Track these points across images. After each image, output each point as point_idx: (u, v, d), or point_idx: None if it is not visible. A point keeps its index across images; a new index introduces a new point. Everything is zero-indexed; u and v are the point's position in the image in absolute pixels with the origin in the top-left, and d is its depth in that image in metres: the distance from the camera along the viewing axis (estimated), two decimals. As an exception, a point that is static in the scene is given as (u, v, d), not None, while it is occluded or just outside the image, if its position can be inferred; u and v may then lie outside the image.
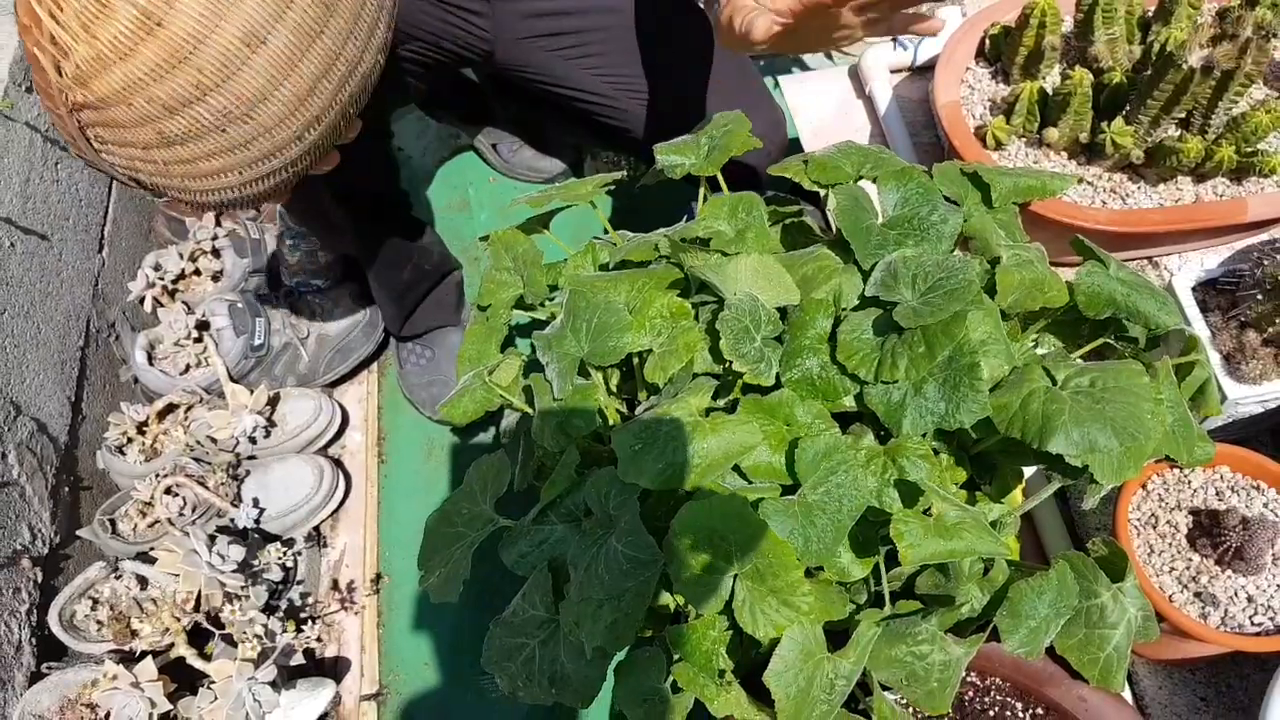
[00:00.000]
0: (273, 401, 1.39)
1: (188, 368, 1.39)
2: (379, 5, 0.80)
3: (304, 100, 0.75)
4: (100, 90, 0.69)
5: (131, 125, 0.71)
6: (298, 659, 1.21)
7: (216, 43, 0.68)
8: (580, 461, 0.83)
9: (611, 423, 0.85)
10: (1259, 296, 0.92)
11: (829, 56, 1.74)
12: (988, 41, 1.22)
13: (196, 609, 1.13)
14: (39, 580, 1.14)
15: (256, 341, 1.40)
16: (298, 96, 0.74)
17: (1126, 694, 0.99)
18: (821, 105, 1.42)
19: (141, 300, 1.44)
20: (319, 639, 1.25)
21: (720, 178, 0.96)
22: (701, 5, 1.48)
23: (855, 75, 1.42)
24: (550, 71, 1.27)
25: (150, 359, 1.38)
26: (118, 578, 1.16)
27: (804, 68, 1.74)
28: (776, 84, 1.46)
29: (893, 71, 1.39)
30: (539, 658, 0.81)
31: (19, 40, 1.22)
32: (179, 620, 1.11)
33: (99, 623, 1.12)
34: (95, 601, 1.15)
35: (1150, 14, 1.18)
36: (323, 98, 0.76)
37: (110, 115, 0.70)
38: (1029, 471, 0.93)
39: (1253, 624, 0.87)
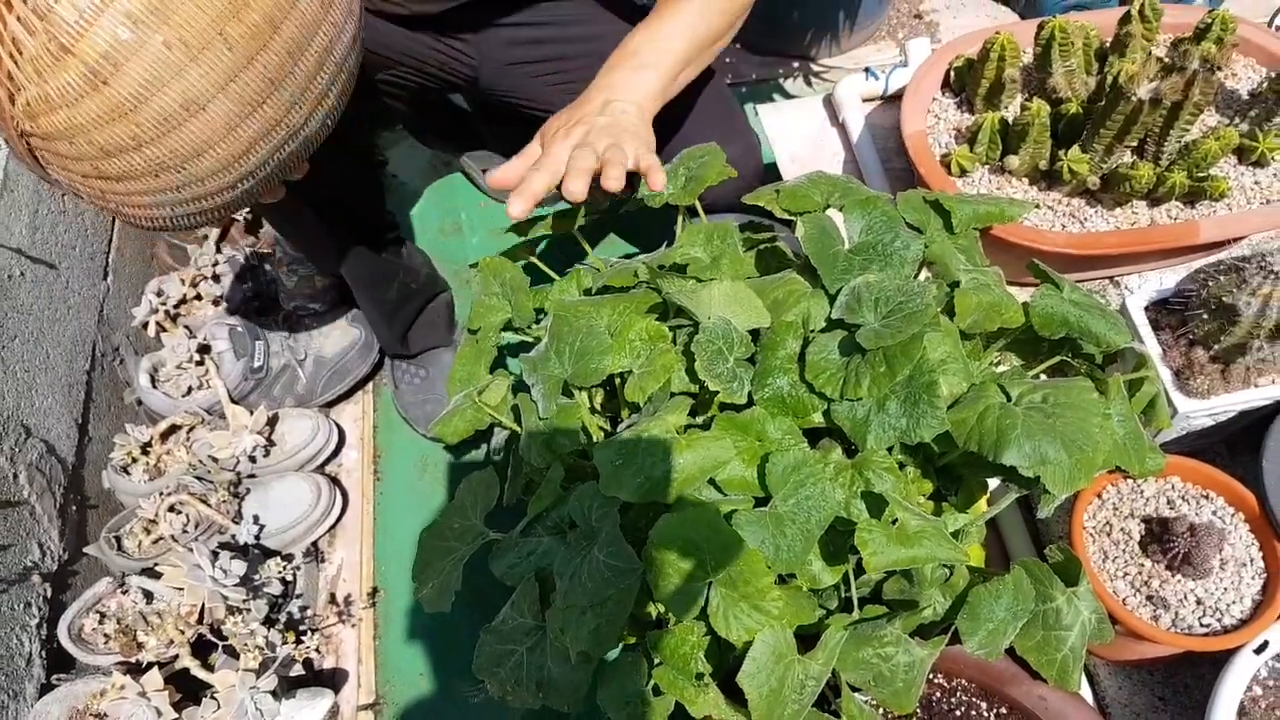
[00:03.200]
0: (272, 422, 1.44)
1: (190, 390, 1.44)
2: (333, 75, 0.83)
3: (239, 158, 0.79)
4: (45, 126, 0.73)
5: (72, 158, 0.76)
6: (297, 670, 1.25)
7: (156, 104, 0.73)
8: (565, 477, 0.87)
9: (594, 440, 0.89)
10: (1205, 315, 0.97)
11: (808, 83, 1.80)
12: (952, 73, 1.28)
13: (200, 621, 1.17)
14: (48, 595, 1.19)
15: (256, 364, 1.45)
16: (232, 155, 0.78)
17: (1087, 694, 1.03)
18: (798, 133, 1.48)
19: (145, 325, 1.49)
20: (317, 650, 1.29)
21: (698, 205, 1.01)
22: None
23: (830, 104, 1.48)
24: (534, 96, 1.33)
25: (154, 382, 1.43)
26: (124, 592, 1.21)
27: (785, 95, 1.80)
28: (755, 112, 1.52)
29: (865, 100, 1.45)
30: (527, 663, 0.85)
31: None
32: (183, 632, 1.15)
33: (106, 635, 1.17)
34: (103, 615, 1.20)
35: (1107, 45, 1.24)
36: (259, 156, 0.80)
37: (54, 145, 0.75)
38: (993, 483, 0.97)
39: (1202, 625, 0.92)
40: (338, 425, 1.52)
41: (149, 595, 1.21)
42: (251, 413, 1.41)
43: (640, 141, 0.98)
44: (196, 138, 0.76)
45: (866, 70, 1.44)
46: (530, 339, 1.01)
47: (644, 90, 1.03)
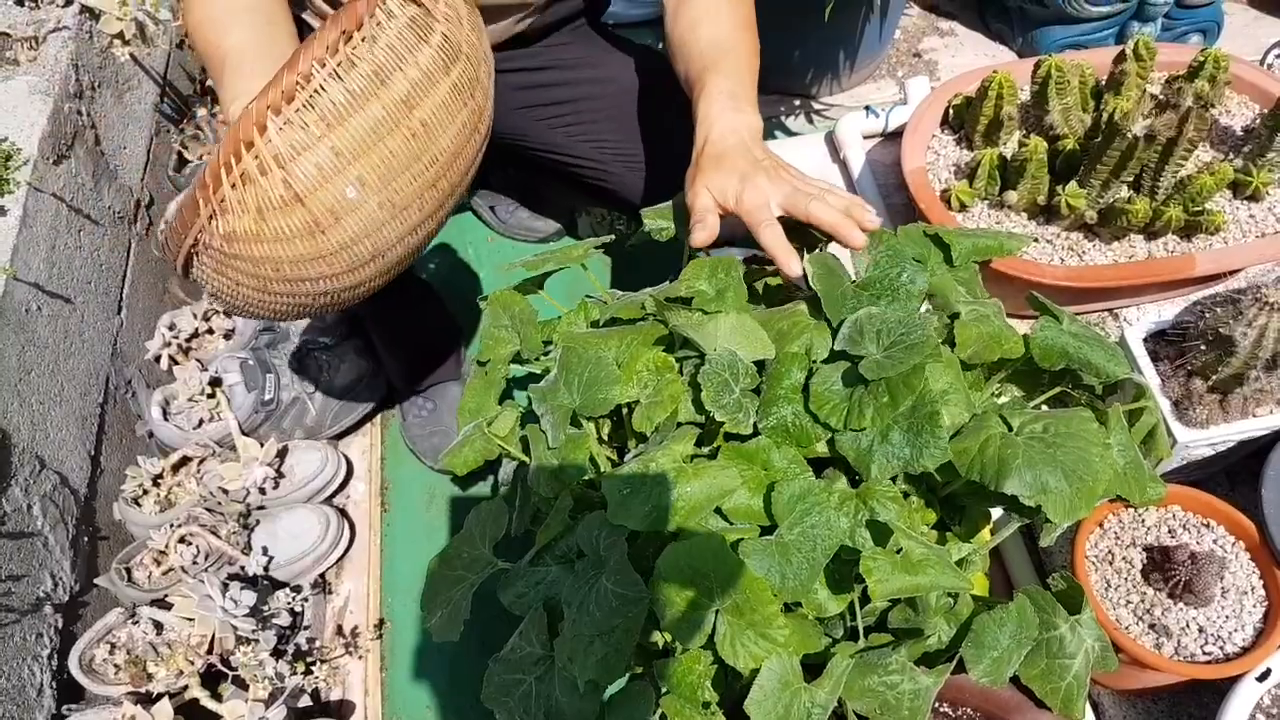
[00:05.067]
0: (281, 454, 1.45)
1: (201, 422, 1.46)
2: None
3: (380, 274, 0.89)
4: (235, 250, 0.79)
5: (236, 271, 0.82)
6: (305, 701, 1.25)
7: (353, 249, 0.82)
8: (573, 506, 0.88)
9: (602, 469, 0.90)
10: (1202, 347, 0.99)
11: (809, 120, 1.83)
12: (951, 111, 1.31)
13: (210, 652, 1.18)
14: (60, 626, 1.19)
15: (266, 396, 1.46)
16: (378, 271, 0.88)
17: (1093, 723, 1.04)
18: (800, 169, 1.50)
19: (157, 358, 1.51)
20: (325, 682, 1.29)
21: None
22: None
23: (831, 141, 1.51)
24: (543, 139, 1.35)
25: (165, 414, 1.45)
26: (135, 623, 1.22)
27: (787, 133, 1.83)
28: (759, 149, 1.54)
29: (866, 138, 1.48)
30: (535, 693, 0.86)
31: (49, 116, 1.31)
32: (193, 663, 1.16)
33: (117, 666, 1.17)
34: (113, 646, 1.20)
35: (1102, 83, 1.27)
36: (392, 265, 0.89)
37: (229, 261, 0.81)
38: (996, 513, 0.98)
39: (1204, 653, 0.92)
40: (346, 457, 1.54)
41: (159, 626, 1.22)
42: (262, 445, 1.42)
43: (828, 185, 0.99)
44: (367, 276, 0.86)
45: (867, 108, 1.47)
46: (538, 371, 1.03)
47: (759, 128, 1.03)
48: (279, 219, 0.78)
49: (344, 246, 0.81)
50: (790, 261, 0.93)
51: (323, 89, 0.76)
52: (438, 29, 0.82)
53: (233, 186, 0.76)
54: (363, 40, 0.77)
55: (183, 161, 1.66)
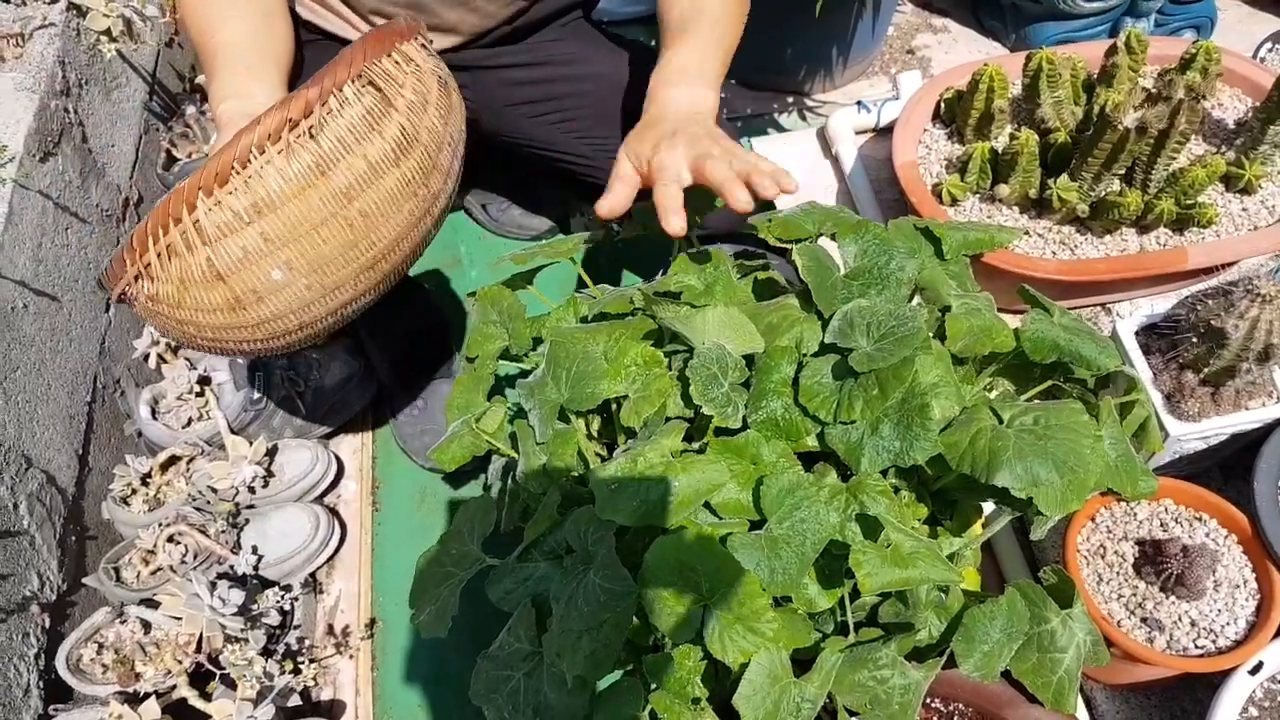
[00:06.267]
0: (271, 453, 1.44)
1: (189, 421, 1.45)
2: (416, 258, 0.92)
3: (312, 324, 0.87)
4: (159, 308, 0.80)
5: (163, 320, 0.82)
6: (295, 700, 1.25)
7: (277, 323, 0.81)
8: (562, 502, 0.88)
9: (590, 465, 0.90)
10: (1194, 340, 0.98)
11: (802, 117, 1.83)
12: (942, 105, 1.30)
13: (198, 651, 1.17)
14: (46, 626, 1.18)
15: (255, 395, 1.46)
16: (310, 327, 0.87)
17: (1085, 718, 1.03)
18: (792, 166, 1.48)
19: (146, 357, 1.50)
20: (315, 681, 1.29)
21: (692, 234, 1.03)
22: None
23: (823, 137, 1.51)
24: (532, 136, 1.35)
25: (154, 413, 1.44)
26: (123, 622, 1.21)
27: (779, 129, 1.82)
28: (750, 145, 1.54)
29: (858, 133, 1.48)
30: (524, 689, 0.85)
31: (35, 113, 1.30)
32: (181, 662, 1.15)
33: (104, 666, 1.16)
34: (101, 645, 1.19)
35: (1094, 76, 1.27)
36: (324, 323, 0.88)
37: (154, 313, 0.81)
38: (988, 508, 0.98)
39: (1196, 647, 0.92)
40: (337, 456, 1.53)
41: (147, 625, 1.21)
42: (251, 444, 1.42)
43: (742, 151, 0.96)
44: (291, 335, 0.85)
45: (859, 104, 1.47)
46: (527, 367, 1.02)
47: (709, 106, 1.02)
48: (200, 292, 0.77)
49: (266, 321, 0.80)
50: (669, 218, 0.90)
51: (259, 175, 0.74)
52: (394, 120, 0.80)
53: (158, 255, 0.76)
54: (308, 129, 0.75)
55: (171, 159, 1.65)
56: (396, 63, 0.81)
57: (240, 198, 0.74)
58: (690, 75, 1.02)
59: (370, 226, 0.81)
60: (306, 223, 0.77)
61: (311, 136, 0.75)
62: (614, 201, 0.96)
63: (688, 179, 0.93)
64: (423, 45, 0.86)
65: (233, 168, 0.74)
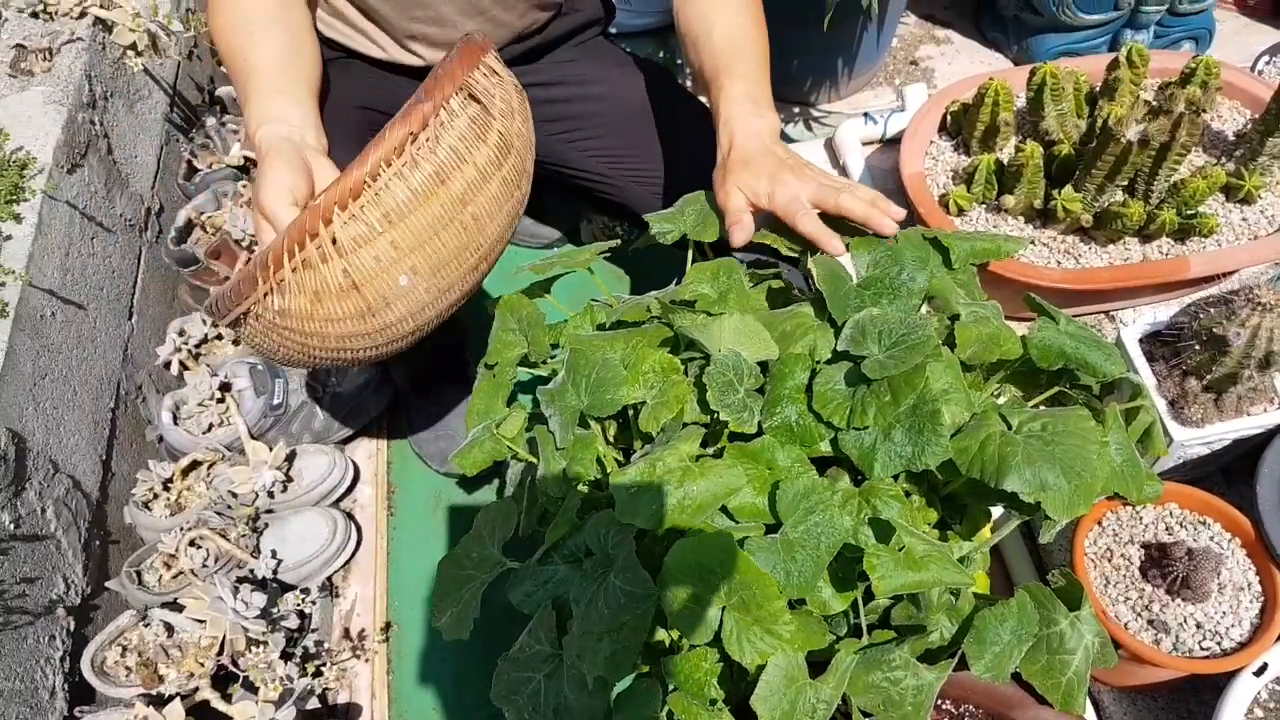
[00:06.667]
0: (290, 458, 1.47)
1: (210, 427, 1.47)
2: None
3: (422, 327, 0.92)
4: (287, 323, 0.83)
5: (283, 336, 0.85)
6: (313, 703, 1.27)
7: (399, 326, 0.87)
8: (581, 506, 0.90)
9: (609, 470, 0.92)
10: (1197, 347, 1.01)
11: (808, 128, 1.85)
12: (949, 117, 1.33)
13: (220, 654, 1.19)
14: (71, 629, 1.21)
15: (275, 401, 1.48)
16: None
17: (1092, 719, 1.05)
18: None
19: (168, 364, 1.53)
20: (333, 684, 1.31)
21: (705, 244, 1.05)
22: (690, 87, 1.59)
23: (830, 148, 1.53)
24: (549, 152, 1.37)
25: (175, 419, 1.46)
26: (146, 625, 1.23)
27: (787, 140, 1.85)
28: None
29: (865, 144, 1.50)
30: (544, 690, 0.87)
31: (63, 126, 1.33)
32: (203, 665, 1.17)
33: (128, 668, 1.19)
34: (125, 648, 1.22)
35: (1096, 89, 1.29)
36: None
37: (279, 328, 0.85)
38: (997, 513, 1.00)
39: (1202, 649, 0.94)
40: (353, 461, 1.55)
41: (170, 628, 1.23)
42: (270, 449, 1.44)
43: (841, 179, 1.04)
44: (405, 339, 0.91)
45: (865, 115, 1.49)
46: (545, 374, 1.04)
47: (777, 129, 1.08)
48: (334, 303, 0.82)
49: (389, 325, 0.86)
50: (833, 242, 0.97)
51: (387, 188, 0.80)
52: (495, 126, 0.86)
53: (293, 270, 0.80)
54: (426, 141, 0.81)
55: (192, 170, 1.68)
56: (485, 74, 0.86)
57: (372, 210, 0.79)
58: (761, 105, 1.08)
59: (480, 228, 0.87)
60: (429, 229, 0.82)
61: (430, 147, 0.81)
62: (748, 234, 1.02)
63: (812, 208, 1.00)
64: (498, 57, 0.90)
65: (365, 181, 0.79)
